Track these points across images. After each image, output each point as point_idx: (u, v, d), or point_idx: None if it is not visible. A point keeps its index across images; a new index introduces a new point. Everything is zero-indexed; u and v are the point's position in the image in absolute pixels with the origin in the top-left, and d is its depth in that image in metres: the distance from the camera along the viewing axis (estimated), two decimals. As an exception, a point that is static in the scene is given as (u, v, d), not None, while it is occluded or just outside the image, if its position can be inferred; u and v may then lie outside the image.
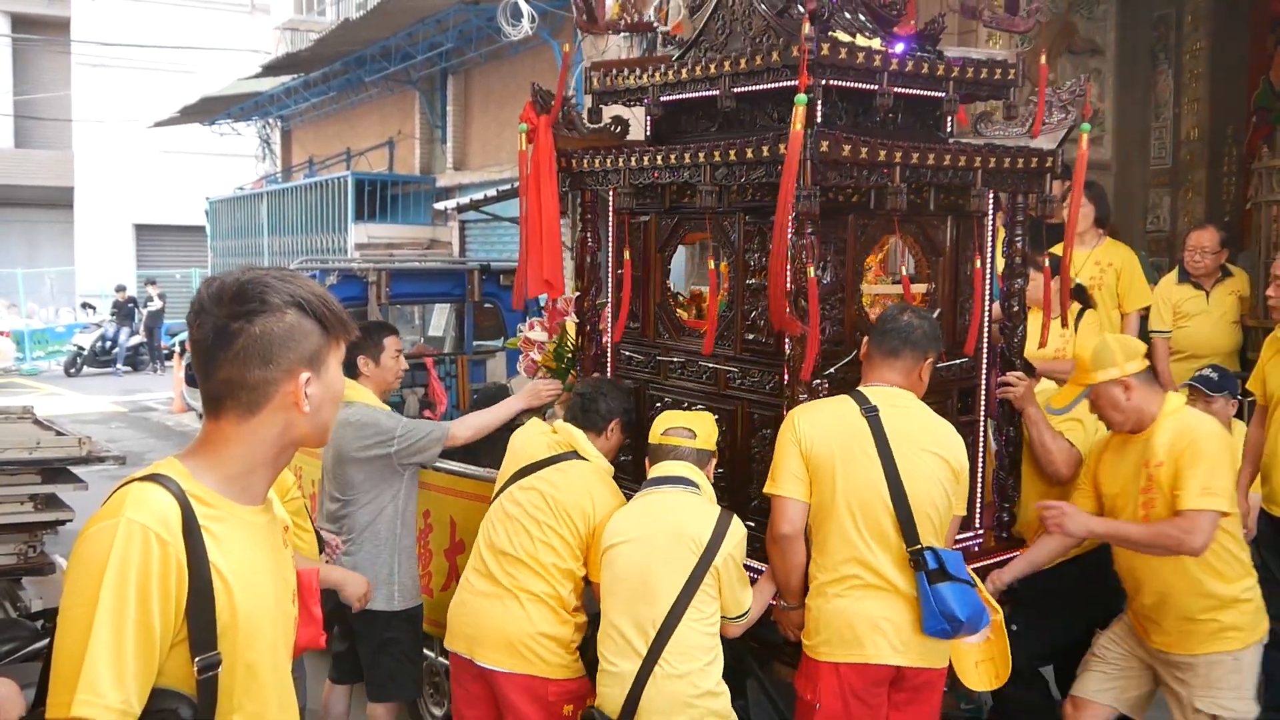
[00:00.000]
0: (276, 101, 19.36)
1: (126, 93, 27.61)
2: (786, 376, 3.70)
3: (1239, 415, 5.54)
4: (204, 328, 1.90)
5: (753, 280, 3.87)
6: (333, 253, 12.22)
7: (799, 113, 3.28)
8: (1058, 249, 6.20)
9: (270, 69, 17.36)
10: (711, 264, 4.02)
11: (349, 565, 4.39)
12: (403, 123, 17.01)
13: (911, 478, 3.49)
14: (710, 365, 4.04)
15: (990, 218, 4.21)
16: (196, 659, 1.83)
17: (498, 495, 3.99)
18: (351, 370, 4.53)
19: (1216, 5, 8.61)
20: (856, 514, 3.49)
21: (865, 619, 3.48)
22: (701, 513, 3.53)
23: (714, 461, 3.77)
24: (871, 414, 3.52)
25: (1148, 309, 6.35)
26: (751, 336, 3.91)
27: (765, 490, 3.58)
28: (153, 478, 1.87)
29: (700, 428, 3.71)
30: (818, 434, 3.51)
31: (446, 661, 4.95)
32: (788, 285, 3.44)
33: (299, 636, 2.15)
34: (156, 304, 23.09)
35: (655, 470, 3.69)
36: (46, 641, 3.55)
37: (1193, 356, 6.23)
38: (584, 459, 3.93)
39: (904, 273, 4.11)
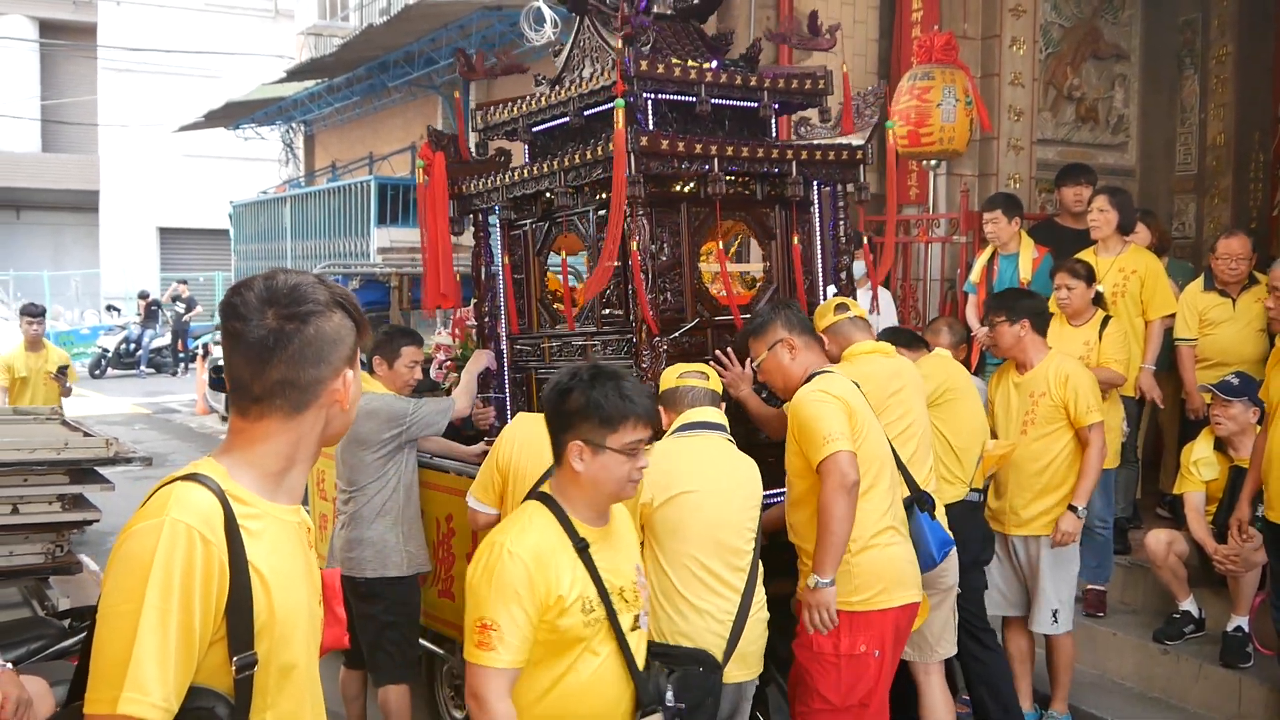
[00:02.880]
0: (300, 106, 19.44)
1: (151, 97, 27.82)
2: (636, 341, 4.33)
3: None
4: (257, 330, 1.90)
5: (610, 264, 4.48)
6: (355, 256, 12.25)
7: (618, 114, 4.02)
8: (1088, 254, 6.20)
9: (294, 74, 17.44)
10: (564, 258, 5.01)
11: (363, 542, 4.67)
12: (426, 126, 17.06)
13: (888, 431, 4.08)
14: (579, 343, 4.72)
15: (816, 205, 4.95)
16: (234, 658, 1.84)
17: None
18: (368, 368, 4.84)
19: (1244, 10, 8.55)
20: (884, 469, 3.94)
21: (905, 562, 3.96)
22: (750, 464, 3.86)
23: (723, 405, 4.03)
24: (855, 386, 3.99)
25: (1172, 316, 6.31)
26: (607, 312, 4.58)
27: (826, 452, 3.69)
28: (194, 477, 1.88)
29: (711, 373, 4.03)
30: (852, 399, 3.86)
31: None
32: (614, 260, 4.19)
33: (324, 636, 2.16)
34: (184, 308, 23.29)
35: (689, 415, 3.88)
36: (74, 640, 3.58)
37: (1220, 364, 6.19)
38: None
39: (719, 248, 4.72)
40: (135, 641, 1.74)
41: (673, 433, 3.86)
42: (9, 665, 2.85)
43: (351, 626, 4.67)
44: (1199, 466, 5.60)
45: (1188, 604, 5.62)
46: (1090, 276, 5.76)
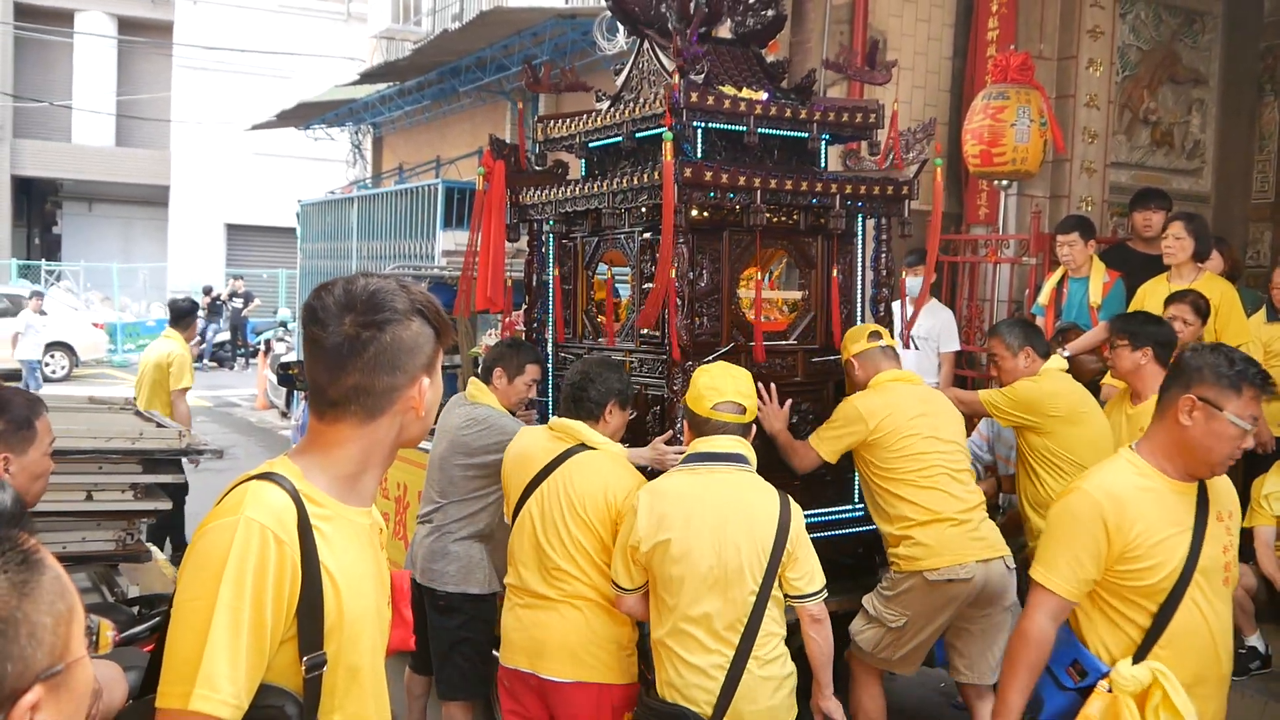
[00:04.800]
0: (370, 108, 19.64)
1: (224, 96, 28.34)
2: (669, 364, 4.37)
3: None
4: (334, 336, 1.89)
5: (647, 285, 4.55)
6: (420, 258, 12.31)
7: (666, 146, 4.09)
8: (1161, 280, 6.10)
9: (368, 76, 17.63)
10: (610, 272, 5.13)
11: (448, 554, 4.57)
12: (494, 133, 17.16)
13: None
14: (619, 358, 4.71)
15: (860, 237, 4.96)
16: (304, 658, 1.85)
17: (518, 510, 3.99)
18: (485, 377, 4.77)
19: (1327, 38, 8.40)
20: None
21: None
22: (765, 496, 3.53)
23: (754, 429, 3.75)
24: None
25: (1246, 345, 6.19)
26: (645, 331, 4.60)
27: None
28: (269, 476, 1.89)
29: (748, 401, 3.67)
30: None
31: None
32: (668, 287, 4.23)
33: (391, 638, 2.17)
34: (243, 303, 23.64)
35: (700, 444, 3.62)
36: (144, 627, 3.63)
37: (1289, 397, 6.08)
38: (592, 448, 3.95)
39: (757, 277, 4.78)
40: (207, 638, 1.75)
41: (680, 463, 3.71)
42: (114, 631, 2.88)
43: (423, 634, 4.67)
44: (1269, 500, 5.50)
45: (1254, 639, 5.52)
46: (1207, 315, 5.67)
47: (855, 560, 4.67)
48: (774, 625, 3.47)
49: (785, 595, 3.50)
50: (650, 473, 4.31)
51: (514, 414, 4.78)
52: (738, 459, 3.58)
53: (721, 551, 3.40)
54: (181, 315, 8.50)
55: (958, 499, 4.31)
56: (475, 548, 4.61)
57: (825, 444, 4.50)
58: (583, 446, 3.94)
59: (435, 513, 4.67)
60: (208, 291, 24.69)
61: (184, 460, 4.76)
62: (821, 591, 3.54)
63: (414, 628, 4.55)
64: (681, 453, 4.19)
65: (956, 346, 7.41)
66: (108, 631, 1.86)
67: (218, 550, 1.80)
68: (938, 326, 7.21)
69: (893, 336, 5.05)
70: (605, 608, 3.78)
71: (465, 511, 4.61)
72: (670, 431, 4.37)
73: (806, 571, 3.51)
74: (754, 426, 3.74)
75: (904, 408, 4.39)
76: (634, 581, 3.58)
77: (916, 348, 7.22)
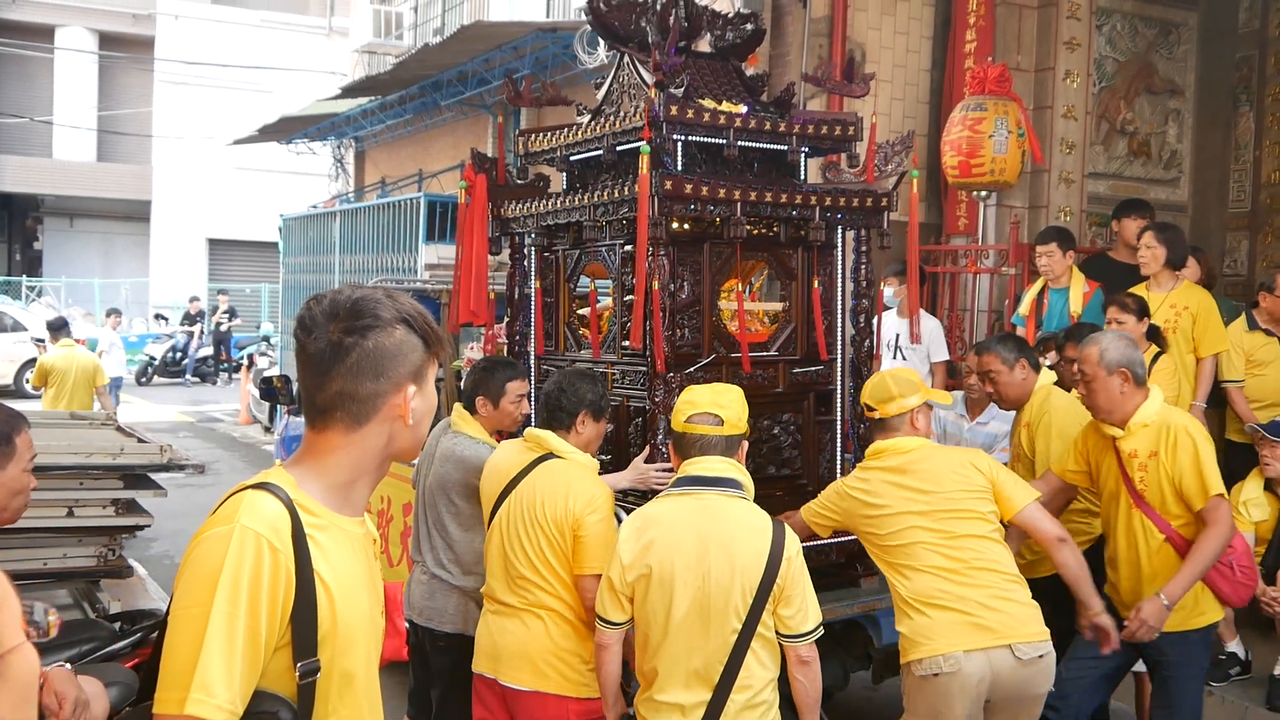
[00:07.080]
0: (352, 122, 19.64)
1: (205, 110, 28.25)
2: (650, 375, 4.36)
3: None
4: (318, 342, 1.95)
5: (628, 297, 4.58)
6: (403, 272, 12.31)
7: (644, 160, 4.13)
8: (1139, 289, 6.16)
9: (349, 91, 17.64)
10: (593, 284, 5.16)
11: (446, 594, 4.43)
12: (476, 146, 17.18)
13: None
14: (601, 370, 4.69)
15: (840, 248, 4.95)
16: (298, 664, 1.88)
17: (491, 519, 3.98)
18: (469, 406, 4.57)
19: (1301, 48, 8.50)
20: None
21: None
22: (756, 526, 3.30)
23: (745, 445, 3.49)
24: None
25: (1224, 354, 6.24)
26: (627, 344, 4.54)
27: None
28: (263, 486, 1.93)
29: (727, 411, 3.41)
30: None
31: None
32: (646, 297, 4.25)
33: (384, 647, 2.19)
34: (226, 321, 23.58)
35: (688, 466, 3.39)
36: (125, 643, 3.62)
37: (1272, 405, 6.14)
38: (560, 457, 3.92)
39: (739, 288, 4.80)
40: (203, 644, 1.78)
41: (670, 488, 3.46)
42: (66, 665, 2.90)
43: (421, 678, 4.59)
44: (1248, 507, 5.54)
45: (1234, 646, 5.55)
46: (1142, 311, 5.68)
47: (837, 570, 4.68)
48: (759, 667, 3.26)
49: (777, 633, 3.28)
50: (638, 495, 4.31)
51: (513, 435, 4.63)
52: (730, 484, 3.34)
53: (703, 585, 3.21)
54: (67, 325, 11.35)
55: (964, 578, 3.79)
56: (474, 592, 4.37)
57: (812, 514, 4.13)
58: (551, 456, 3.93)
59: (428, 549, 4.50)
60: (194, 300, 24.71)
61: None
62: (815, 631, 3.31)
63: (414, 669, 4.55)
64: (666, 471, 4.15)
65: (946, 356, 7.44)
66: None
67: (214, 558, 1.83)
68: (926, 336, 7.24)
69: (877, 346, 5.08)
70: (569, 620, 3.77)
71: (453, 554, 4.44)
72: (647, 448, 4.35)
73: (799, 609, 3.27)
74: (744, 443, 3.48)
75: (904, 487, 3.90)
76: (624, 613, 3.36)
77: (905, 358, 7.26)
